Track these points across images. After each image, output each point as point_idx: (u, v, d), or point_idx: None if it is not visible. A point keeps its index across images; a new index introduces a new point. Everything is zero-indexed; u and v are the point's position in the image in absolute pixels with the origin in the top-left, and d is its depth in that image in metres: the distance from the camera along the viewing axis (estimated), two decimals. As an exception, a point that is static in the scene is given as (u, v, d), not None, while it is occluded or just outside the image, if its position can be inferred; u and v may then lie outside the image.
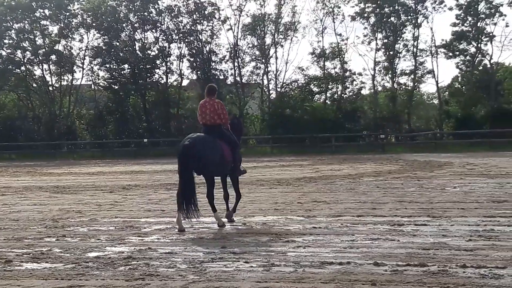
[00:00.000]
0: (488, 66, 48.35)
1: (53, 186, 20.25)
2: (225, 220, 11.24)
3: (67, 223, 11.60)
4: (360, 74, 50.54)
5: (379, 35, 49.59)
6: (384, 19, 49.03)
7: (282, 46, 51.06)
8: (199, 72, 51.48)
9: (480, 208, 11.84)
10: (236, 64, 51.01)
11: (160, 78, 52.57)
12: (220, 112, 11.46)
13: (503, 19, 46.81)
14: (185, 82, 54.37)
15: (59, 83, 52.90)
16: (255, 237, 9.52)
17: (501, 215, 10.90)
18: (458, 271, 6.94)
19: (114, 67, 52.18)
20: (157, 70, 52.39)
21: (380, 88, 50.97)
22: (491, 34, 47.10)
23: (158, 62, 52.00)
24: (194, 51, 51.29)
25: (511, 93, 47.02)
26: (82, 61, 52.59)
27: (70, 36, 52.32)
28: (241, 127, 12.58)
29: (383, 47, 49.47)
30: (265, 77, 51.14)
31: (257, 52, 51.19)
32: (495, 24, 46.91)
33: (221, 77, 51.72)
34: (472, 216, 10.91)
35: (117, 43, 52.04)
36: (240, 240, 9.33)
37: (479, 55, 48.18)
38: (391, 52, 49.08)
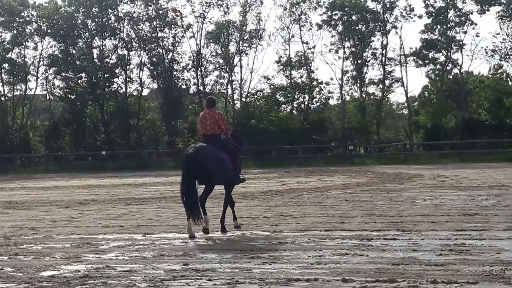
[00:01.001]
0: (459, 75, 49.04)
1: (5, 201, 19.94)
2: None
3: (20, 240, 11.42)
4: (327, 83, 50.93)
5: (347, 43, 50.00)
6: (352, 27, 49.45)
7: (247, 54, 51.08)
8: (160, 81, 51.28)
9: (451, 222, 11.96)
10: (199, 73, 50.93)
11: (119, 88, 52.25)
12: (220, 122, 12.33)
13: (473, 28, 47.48)
14: (145, 92, 54.23)
15: (12, 93, 52.16)
16: (219, 253, 9.48)
17: (472, 228, 11.02)
18: (429, 287, 6.98)
19: (71, 76, 51.71)
20: (116, 79, 52.12)
21: (348, 98, 51.33)
22: (461, 43, 47.82)
23: (117, 70, 51.68)
24: (155, 59, 51.09)
25: (481, 103, 47.70)
26: (37, 69, 51.96)
27: (24, 43, 51.71)
28: (241, 140, 13.19)
29: (351, 55, 49.86)
30: (229, 86, 51.19)
31: (221, 61, 51.20)
32: (465, 32, 47.64)
33: (184, 86, 51.64)
34: (443, 229, 11.01)
35: (74, 51, 51.61)
36: (203, 256, 9.28)
37: (449, 64, 48.88)
38: (359, 61, 49.49)
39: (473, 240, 9.80)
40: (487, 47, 48.02)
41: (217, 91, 51.81)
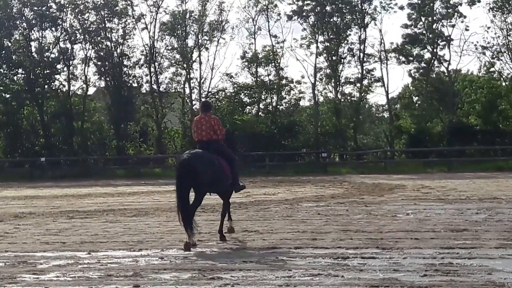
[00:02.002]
0: (446, 74, 49.54)
1: None
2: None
3: None
4: (298, 82, 51.06)
5: (320, 38, 50.16)
6: (326, 19, 49.69)
7: (207, 49, 51.04)
8: (108, 79, 50.96)
9: (437, 238, 12.05)
10: (152, 69, 50.74)
11: (62, 86, 51.79)
12: (216, 128, 13.12)
13: (462, 21, 47.98)
14: (91, 90, 53.79)
15: None
16: (174, 273, 9.44)
17: (460, 246, 11.11)
18: (412, 311, 7.03)
19: (5, 72, 51.14)
20: (57, 76, 51.63)
21: (321, 99, 51.56)
22: (448, 38, 48.31)
23: (58, 66, 51.21)
24: (102, 53, 50.79)
25: (471, 105, 48.24)
26: (-35, 65, 51.31)
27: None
28: (234, 142, 14.23)
29: (324, 51, 50.05)
30: (186, 85, 51.07)
31: (178, 56, 51.09)
32: (453, 26, 48.10)
33: (135, 84, 51.39)
34: (427, 247, 11.09)
35: (9, 44, 51.07)
36: (156, 277, 9.23)
37: (435, 62, 49.33)
38: (334, 57, 49.73)
39: (461, 259, 9.89)
40: (477, 42, 48.50)
41: (173, 90, 51.74)
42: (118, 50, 50.84)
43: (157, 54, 50.93)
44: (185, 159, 12.48)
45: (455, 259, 9.94)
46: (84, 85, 51.39)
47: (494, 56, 47.99)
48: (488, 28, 47.28)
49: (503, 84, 48.57)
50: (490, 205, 17.99)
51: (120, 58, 50.77)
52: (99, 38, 50.92)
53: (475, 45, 47.97)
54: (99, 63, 51.06)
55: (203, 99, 50.24)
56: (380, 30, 49.40)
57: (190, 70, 50.71)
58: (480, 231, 12.81)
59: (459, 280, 8.48)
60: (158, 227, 14.95)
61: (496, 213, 16.06)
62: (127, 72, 51.08)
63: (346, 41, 49.98)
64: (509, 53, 46.86)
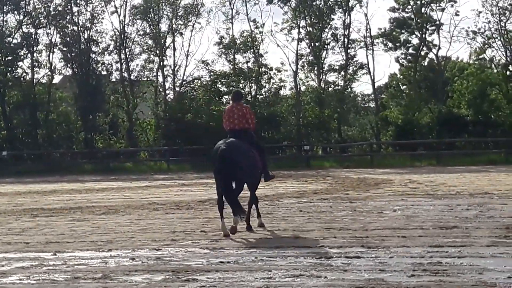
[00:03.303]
0: (435, 61, 49.74)
1: None
2: (259, 228, 13.84)
3: None
4: (278, 70, 51.06)
5: (302, 22, 50.22)
6: (308, 2, 49.66)
7: (181, 34, 50.92)
8: (75, 66, 50.72)
9: (425, 236, 12.12)
10: (123, 56, 50.57)
11: (25, 74, 51.50)
12: (248, 116, 14.14)
13: (452, 5, 48.18)
14: (57, 79, 53.58)
15: None
16: (146, 275, 9.43)
17: (450, 244, 11.18)
18: (399, 313, 7.08)
19: (-37, 59, 50.80)
20: (20, 63, 51.32)
21: (303, 88, 51.62)
22: (437, 22, 48.46)
23: (21, 52, 50.91)
24: (68, 39, 50.54)
25: (462, 94, 48.43)
26: None
27: None
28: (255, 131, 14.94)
29: (307, 36, 50.12)
30: (159, 72, 50.91)
31: (150, 42, 50.96)
32: (442, 10, 48.26)
33: (104, 72, 51.19)
34: (415, 246, 11.15)
35: (-33, 28, 50.72)
36: (127, 279, 9.23)
37: (424, 48, 49.51)
38: (317, 43, 49.77)
39: (451, 258, 9.95)
40: (468, 28, 48.81)
41: (145, 78, 51.59)
42: (86, 35, 50.63)
43: (128, 40, 50.77)
44: (223, 149, 13.27)
45: (444, 258, 10.00)
46: (49, 73, 51.15)
47: (485, 42, 48.23)
48: (480, 12, 47.43)
49: (495, 71, 48.74)
50: (481, 201, 18.10)
51: (88, 44, 50.53)
52: (64, 22, 50.69)
53: (466, 30, 48.25)
54: (65, 49, 50.84)
55: (177, 88, 50.30)
56: (366, 14, 49.53)
57: (164, 57, 50.61)
58: (471, 228, 12.90)
59: (449, 280, 8.54)
60: (129, 226, 14.92)
61: (487, 209, 16.17)
62: (95, 59, 50.87)
63: (329, 26, 50.01)
64: (501, 39, 47.10)
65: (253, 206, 14.44)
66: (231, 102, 14.75)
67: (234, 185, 13.46)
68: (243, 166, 13.35)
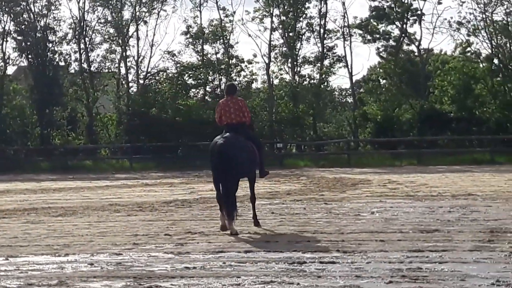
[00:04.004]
0: (416, 54, 49.99)
1: None
2: (255, 228, 14.22)
3: None
4: (250, 62, 51.10)
5: (276, 11, 50.29)
6: (282, -11, 49.81)
7: (145, 22, 50.84)
8: (30, 56, 50.41)
9: (405, 240, 12.18)
10: (82, 46, 50.34)
11: (-25, 65, 51.14)
12: (244, 109, 14.68)
13: (435, -7, 48.51)
14: (10, 70, 53.21)
15: None
16: (106, 281, 9.40)
17: (430, 249, 11.24)
18: (375, 323, 7.11)
19: None
20: (-30, 53, 50.96)
21: (277, 82, 51.69)
22: (419, 13, 48.73)
23: (-29, 42, 50.60)
24: (23, 27, 50.21)
25: (444, 89, 48.70)
26: None
27: None
28: (252, 126, 15.76)
29: (280, 26, 50.18)
30: (122, 64, 50.81)
31: (112, 30, 50.79)
32: (424, -1, 48.59)
33: (62, 63, 50.92)
34: (394, 250, 11.21)
35: None
36: (85, 286, 9.19)
37: (405, 39, 49.75)
38: (291, 34, 49.86)
39: (431, 264, 10.00)
40: (451, 18, 49.03)
41: (106, 70, 51.38)
42: (42, 23, 50.38)
43: (87, 28, 50.58)
44: (221, 144, 13.86)
45: (424, 263, 10.05)
46: (2, 64, 50.76)
47: (469, 34, 48.50)
48: (463, 2, 47.77)
49: (480, 65, 49.06)
50: (464, 203, 18.24)
51: (45, 33, 50.23)
52: (19, 9, 50.31)
53: (449, 21, 48.55)
54: (19, 38, 50.45)
55: (141, 81, 50.17)
56: (343, 3, 49.76)
57: (126, 47, 50.51)
58: (453, 232, 12.98)
59: (429, 287, 8.59)
60: (88, 229, 14.86)
61: (470, 211, 16.29)
62: (52, 48, 50.65)
63: (304, 15, 50.20)
64: (487, 30, 47.42)
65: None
66: (225, 95, 15.16)
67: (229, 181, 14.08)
68: (242, 161, 13.96)
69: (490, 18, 47.41)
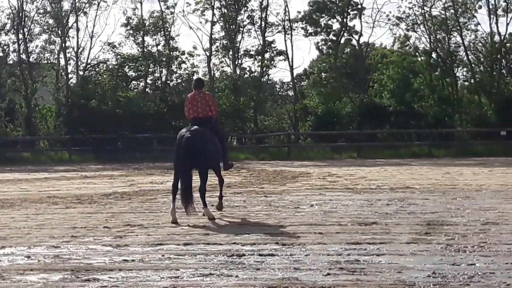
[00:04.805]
0: (357, 47, 50.34)
1: None
2: (215, 213, 14.83)
3: None
4: (191, 54, 50.99)
5: (217, 3, 50.25)
6: (224, -18, 49.77)
7: (85, 13, 50.45)
8: (-33, 47, 49.78)
9: (343, 233, 12.25)
10: (21, 36, 49.73)
11: None
12: (211, 104, 15.25)
13: (375, -13, 48.99)
14: None
15: None
16: (43, 274, 9.29)
17: (368, 241, 11.33)
18: (313, 314, 7.14)
19: None
20: None
21: (217, 74, 51.65)
22: (359, 6, 49.08)
23: None
24: (-41, 16, 49.56)
25: (383, 83, 49.15)
26: None
27: None
28: (217, 119, 15.94)
29: (221, 18, 50.16)
30: (61, 55, 50.31)
31: (51, 21, 50.26)
32: (365, -7, 48.98)
33: (0, 53, 50.24)
34: (332, 242, 11.27)
35: None
36: (21, 279, 9.07)
37: (345, 33, 50.06)
38: (232, 26, 49.85)
39: (369, 256, 10.08)
40: (390, 12, 49.51)
41: (46, 61, 50.85)
42: (-22, 13, 49.67)
43: (26, 19, 50.00)
44: (188, 137, 14.22)
45: (362, 255, 10.12)
46: None
47: (409, 28, 49.01)
48: (403, -4, 48.22)
49: (419, 59, 49.59)
50: (402, 196, 18.43)
51: (-19, 23, 49.59)
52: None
53: (388, 15, 49.01)
54: (-46, 28, 49.78)
55: (80, 72, 49.76)
56: (285, -4, 49.79)
57: (66, 38, 50.09)
58: (391, 225, 13.10)
59: (366, 279, 8.65)
60: (25, 221, 14.68)
61: (408, 204, 16.46)
62: (-11, 39, 49.96)
63: (245, 8, 50.20)
64: (426, 25, 47.95)
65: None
66: (193, 90, 15.54)
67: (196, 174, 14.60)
68: (209, 154, 14.47)
69: (428, 13, 47.95)
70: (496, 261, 9.49)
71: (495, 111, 45.54)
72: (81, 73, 50.36)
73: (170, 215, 14.13)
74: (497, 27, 47.16)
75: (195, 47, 51.14)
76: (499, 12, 46.95)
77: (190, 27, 51.48)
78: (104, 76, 50.57)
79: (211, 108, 15.23)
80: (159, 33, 50.62)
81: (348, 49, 51.09)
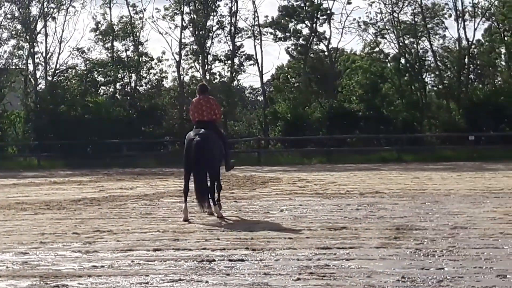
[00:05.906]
0: (326, 53, 50.49)
1: None
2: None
3: None
4: (160, 60, 50.92)
5: (186, 8, 50.21)
6: (193, -14, 49.72)
7: (54, 18, 50.24)
8: None
9: (313, 238, 12.28)
10: (-11, 41, 49.46)
11: None
12: (215, 107, 15.94)
13: (344, -7, 49.09)
14: None
15: None
16: (11, 281, 9.23)
17: (338, 246, 11.36)
18: (283, 319, 7.15)
19: None
20: None
21: (187, 79, 51.58)
22: (328, 12, 49.23)
23: None
24: None
25: (352, 88, 49.32)
26: None
27: None
28: (220, 123, 17.11)
29: (191, 24, 50.11)
30: (30, 60, 50.05)
31: (19, 26, 49.97)
32: (333, -2, 49.08)
33: (-32, 59, 49.97)
34: (302, 248, 11.28)
35: None
36: (-10, 287, 9.04)
37: (314, 39, 50.18)
38: (201, 31, 49.81)
39: (339, 261, 10.10)
40: (359, 18, 49.66)
41: (14, 66, 50.57)
42: None
43: (-6, 24, 49.65)
44: (199, 141, 15.11)
45: (332, 260, 10.14)
46: None
47: (377, 34, 49.21)
48: (372, 2, 48.42)
49: (388, 65, 49.81)
50: (371, 200, 18.49)
51: (-51, 28, 49.22)
52: None
53: (357, 21, 49.20)
54: None
55: (49, 77, 49.49)
56: (254, 1, 49.88)
57: (34, 44, 49.78)
58: (360, 229, 13.14)
59: (336, 284, 8.67)
60: (-6, 228, 14.60)
61: (377, 209, 16.51)
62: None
63: (215, 13, 50.19)
64: (394, 31, 48.19)
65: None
66: (197, 94, 16.24)
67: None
68: (216, 156, 15.53)
69: (397, 18, 48.21)
70: (465, 265, 9.55)
71: (463, 116, 45.84)
72: (50, 78, 50.10)
73: (182, 213, 15.14)
74: (465, 32, 47.48)
75: (164, 52, 51.26)
76: (466, 16, 47.25)
77: (160, 32, 51.34)
78: (73, 81, 50.41)
79: (215, 112, 15.95)
80: (128, 38, 50.49)
81: (317, 55, 51.17)
